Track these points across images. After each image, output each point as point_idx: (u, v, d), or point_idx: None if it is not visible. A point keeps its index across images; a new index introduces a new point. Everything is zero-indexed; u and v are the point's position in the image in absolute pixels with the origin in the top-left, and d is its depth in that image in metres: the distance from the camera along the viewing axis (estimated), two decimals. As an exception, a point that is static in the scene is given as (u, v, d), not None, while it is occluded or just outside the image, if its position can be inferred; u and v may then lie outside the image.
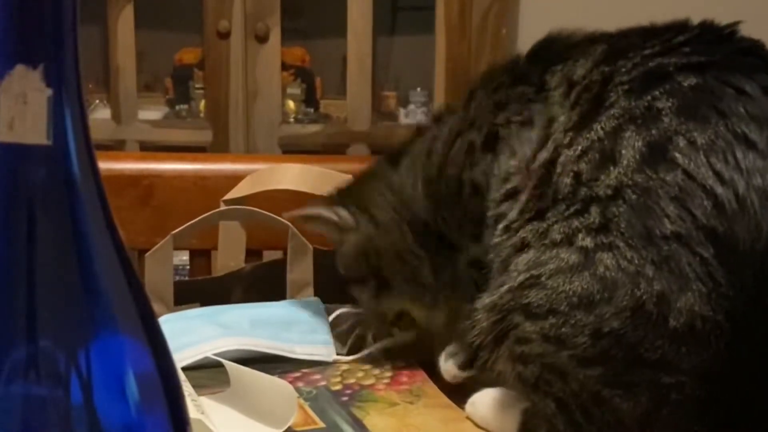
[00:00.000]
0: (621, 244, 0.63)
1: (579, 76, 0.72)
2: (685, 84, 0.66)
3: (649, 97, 0.66)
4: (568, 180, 0.67)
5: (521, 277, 0.67)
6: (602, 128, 0.67)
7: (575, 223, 0.65)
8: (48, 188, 0.34)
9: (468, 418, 0.77)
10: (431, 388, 0.82)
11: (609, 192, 0.64)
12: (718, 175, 0.62)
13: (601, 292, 0.63)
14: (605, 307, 0.63)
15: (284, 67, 2.23)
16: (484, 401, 0.77)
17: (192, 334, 0.83)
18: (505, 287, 0.68)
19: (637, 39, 0.72)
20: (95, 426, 0.35)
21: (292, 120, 2.31)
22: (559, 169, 0.68)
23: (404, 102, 2.42)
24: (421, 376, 0.84)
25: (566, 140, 0.69)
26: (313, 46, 2.43)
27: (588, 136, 0.67)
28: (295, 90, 2.34)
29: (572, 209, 0.66)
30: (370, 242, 0.85)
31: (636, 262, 0.62)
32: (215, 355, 0.79)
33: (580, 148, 0.68)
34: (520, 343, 0.68)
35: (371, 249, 0.85)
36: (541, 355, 0.66)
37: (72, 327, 0.35)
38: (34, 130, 0.33)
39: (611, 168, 0.65)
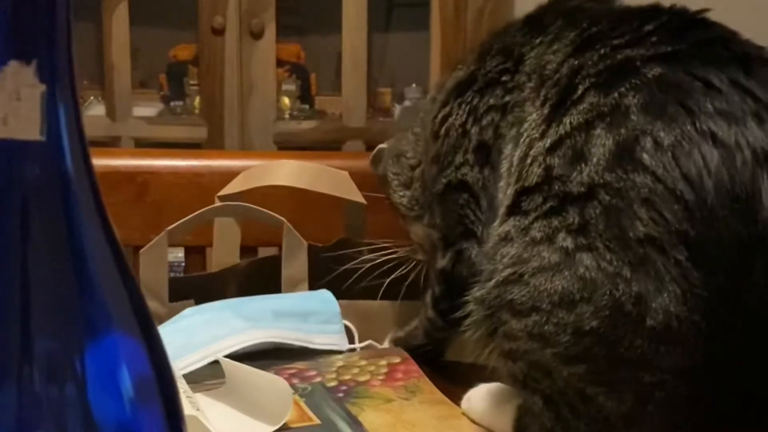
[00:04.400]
0: (600, 246, 0.63)
1: (550, 70, 0.73)
2: (652, 78, 0.66)
3: (616, 94, 0.66)
4: (538, 170, 0.68)
5: (506, 273, 0.68)
6: (571, 123, 0.67)
7: (555, 222, 0.66)
8: (42, 185, 0.34)
9: (464, 414, 0.77)
10: (426, 384, 0.82)
11: (582, 189, 0.65)
12: (686, 178, 0.62)
13: (581, 291, 0.64)
14: (585, 307, 0.63)
15: (279, 63, 2.22)
16: (480, 397, 0.77)
17: (219, 326, 0.84)
18: (492, 282, 0.69)
19: (607, 26, 0.71)
20: (90, 422, 0.35)
21: (287, 116, 2.30)
22: (529, 160, 0.69)
23: (399, 98, 2.42)
24: (416, 372, 0.84)
25: (537, 134, 0.70)
26: (308, 42, 2.43)
27: (557, 129, 0.68)
28: (290, 86, 2.34)
29: (548, 205, 0.67)
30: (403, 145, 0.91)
31: (614, 263, 0.63)
32: (225, 355, 0.80)
33: (550, 140, 0.68)
34: (508, 339, 0.69)
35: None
36: (527, 353, 0.67)
37: (66, 324, 0.35)
38: (27, 126, 0.33)
39: (582, 165, 0.65)
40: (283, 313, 0.88)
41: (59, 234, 0.34)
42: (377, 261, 0.91)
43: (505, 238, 0.69)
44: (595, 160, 0.65)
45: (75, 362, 0.34)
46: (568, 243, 0.64)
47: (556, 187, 0.66)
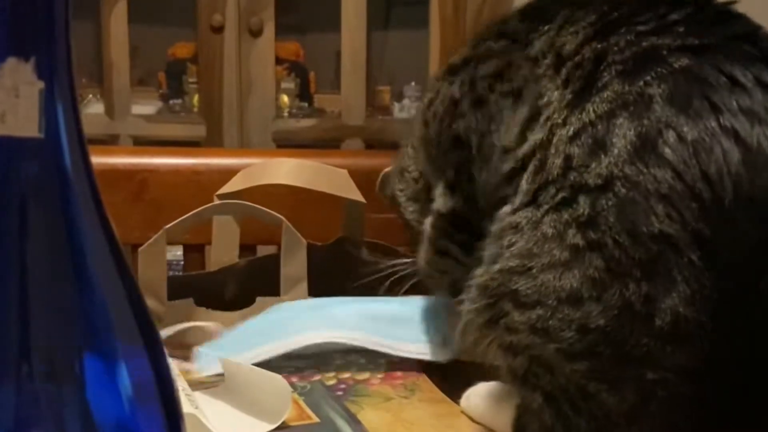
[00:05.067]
0: (609, 242, 0.62)
1: (569, 50, 0.71)
2: (679, 68, 0.65)
3: (641, 82, 0.65)
4: (559, 161, 0.67)
5: (512, 262, 0.67)
6: (594, 111, 0.66)
7: (565, 215, 0.65)
8: (40, 182, 0.34)
9: (463, 412, 0.77)
10: (426, 382, 0.82)
11: (599, 182, 0.64)
12: (706, 176, 0.62)
13: (590, 290, 0.63)
14: (593, 305, 0.63)
15: (278, 61, 2.22)
16: (479, 396, 0.77)
17: (298, 323, 0.84)
18: (497, 267, 0.68)
19: (629, 12, 0.70)
20: (89, 422, 0.34)
21: (286, 114, 2.31)
22: (553, 150, 0.68)
23: (398, 96, 2.42)
24: (415, 370, 0.84)
25: (560, 119, 0.69)
26: (307, 40, 2.43)
27: (580, 116, 0.67)
28: (289, 84, 2.34)
29: (560, 195, 0.65)
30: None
31: (624, 262, 0.62)
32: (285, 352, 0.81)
33: (572, 129, 0.67)
34: (509, 332, 0.68)
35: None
36: (529, 347, 0.66)
37: (65, 322, 0.35)
38: (25, 124, 0.33)
39: (602, 156, 0.64)
40: (369, 317, 0.85)
41: (58, 232, 0.34)
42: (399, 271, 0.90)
43: (516, 227, 0.68)
44: (616, 151, 0.64)
45: (73, 361, 0.34)
46: (578, 240, 0.64)
47: (572, 178, 0.65)
